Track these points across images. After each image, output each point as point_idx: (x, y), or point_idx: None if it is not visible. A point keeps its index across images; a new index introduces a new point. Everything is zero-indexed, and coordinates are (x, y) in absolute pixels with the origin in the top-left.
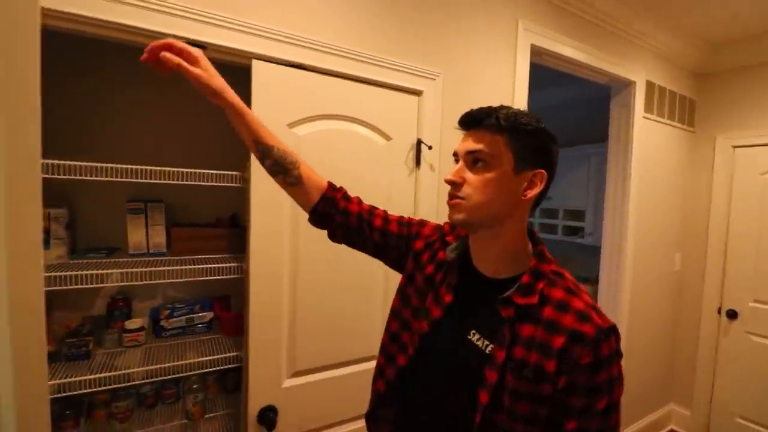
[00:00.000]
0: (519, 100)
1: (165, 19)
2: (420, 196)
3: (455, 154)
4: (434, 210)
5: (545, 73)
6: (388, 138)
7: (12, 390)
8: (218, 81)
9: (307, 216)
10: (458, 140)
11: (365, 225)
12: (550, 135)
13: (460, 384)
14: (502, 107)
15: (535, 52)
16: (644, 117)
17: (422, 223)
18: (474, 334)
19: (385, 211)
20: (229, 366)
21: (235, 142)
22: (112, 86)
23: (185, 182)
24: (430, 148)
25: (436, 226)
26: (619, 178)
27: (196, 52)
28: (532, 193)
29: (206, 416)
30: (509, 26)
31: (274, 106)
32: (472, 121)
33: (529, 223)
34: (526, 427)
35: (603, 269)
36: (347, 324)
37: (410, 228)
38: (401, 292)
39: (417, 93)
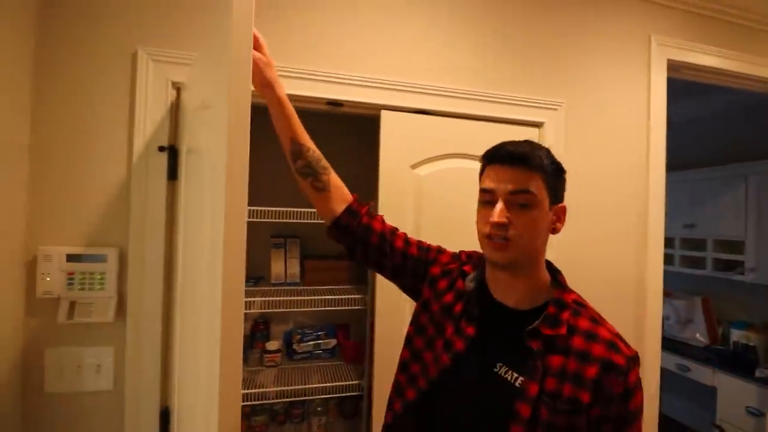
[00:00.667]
0: (655, 121)
1: (310, 84)
2: None
3: (488, 192)
4: (554, 243)
5: (681, 83)
6: None
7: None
8: (271, 72)
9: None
10: (584, 168)
11: (386, 245)
12: (563, 172)
13: (489, 418)
14: (532, 145)
15: (673, 66)
16: None
17: (440, 250)
18: (501, 367)
19: (405, 234)
20: (350, 393)
21: (356, 183)
22: (259, 142)
23: (316, 221)
24: None
25: (453, 254)
26: None
27: (261, 38)
28: (561, 226)
29: None
30: (640, 43)
31: (398, 149)
32: (512, 159)
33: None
34: None
35: None
36: None
37: (428, 253)
38: (415, 319)
39: (537, 125)
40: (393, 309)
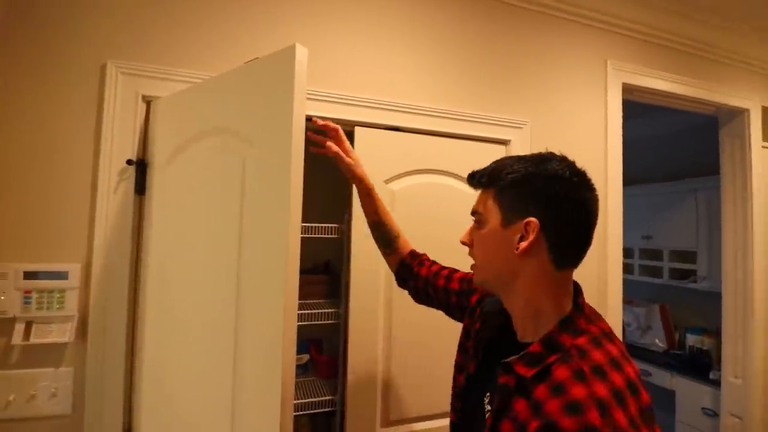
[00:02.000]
0: (612, 139)
1: None
2: None
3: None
4: None
5: (638, 104)
6: None
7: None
8: (361, 169)
9: None
10: None
11: (430, 287)
12: (548, 177)
13: None
14: (502, 163)
15: (627, 89)
16: (764, 146)
17: None
18: (488, 396)
19: (450, 271)
20: (324, 409)
21: (332, 195)
22: None
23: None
24: None
25: None
26: (739, 216)
27: (343, 135)
28: (524, 244)
29: None
30: (598, 67)
31: (372, 165)
32: (470, 182)
33: (574, 283)
34: None
35: (726, 320)
36: (442, 374)
37: (470, 283)
38: (461, 346)
39: (504, 143)
40: (366, 323)
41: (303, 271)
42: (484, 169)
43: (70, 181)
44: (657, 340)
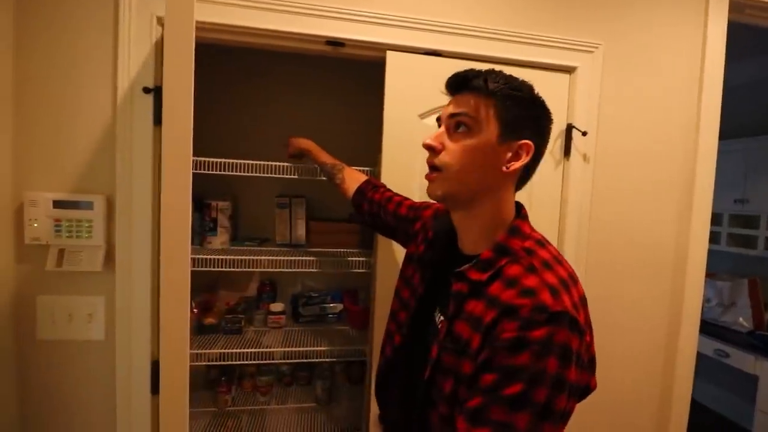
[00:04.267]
0: (711, 75)
1: (307, 20)
2: (569, 191)
3: (438, 120)
4: (587, 204)
5: (741, 40)
6: None
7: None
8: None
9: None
10: (622, 123)
11: (381, 210)
12: (545, 108)
13: (422, 360)
14: (493, 71)
15: (736, 7)
16: None
17: (428, 206)
18: (437, 310)
19: (403, 198)
20: (356, 358)
21: (366, 142)
22: (267, 95)
23: (323, 178)
24: (584, 134)
25: (437, 208)
26: None
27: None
28: (516, 165)
29: (332, 403)
30: None
31: (406, 97)
32: (459, 83)
33: (521, 214)
34: (449, 408)
35: None
36: None
37: (417, 211)
38: (402, 272)
39: (568, 70)
40: (393, 272)
41: (335, 220)
42: (483, 73)
43: (90, 109)
44: (741, 319)
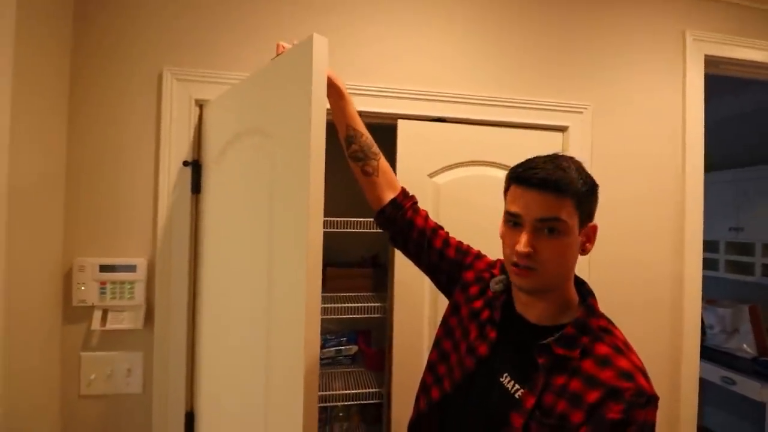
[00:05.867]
0: (692, 120)
1: None
2: None
3: (514, 215)
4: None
5: (723, 78)
6: None
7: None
8: (331, 71)
9: None
10: (613, 172)
11: (425, 242)
12: (596, 184)
13: (487, 425)
14: (567, 164)
15: (711, 62)
16: None
17: (479, 256)
18: (506, 377)
19: (447, 233)
20: (372, 401)
21: None
22: None
23: (340, 230)
24: None
25: (490, 261)
26: None
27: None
28: (591, 246)
29: None
30: (674, 40)
31: (416, 158)
32: (543, 185)
33: (577, 279)
34: None
35: None
36: None
37: (466, 257)
38: (445, 321)
39: (561, 129)
40: (411, 320)
41: (350, 265)
42: (559, 171)
43: (134, 182)
44: (745, 345)
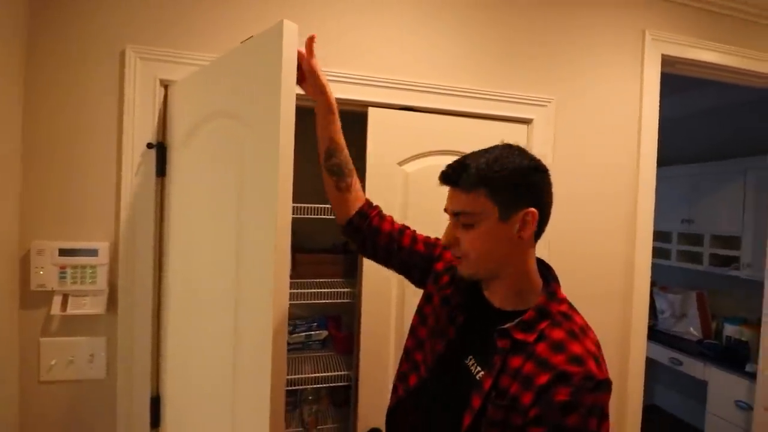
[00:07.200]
0: (647, 115)
1: None
2: None
3: (446, 210)
4: (546, 238)
5: (679, 78)
6: None
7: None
8: (324, 78)
9: None
10: (573, 165)
11: (394, 244)
12: (530, 168)
13: (452, 406)
14: (474, 158)
15: (668, 61)
16: None
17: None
18: (470, 359)
19: (414, 231)
20: (340, 384)
21: None
22: None
23: (311, 216)
24: None
25: None
26: None
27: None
28: (527, 233)
29: (318, 427)
30: (634, 38)
31: (385, 146)
32: (449, 181)
33: (538, 260)
34: None
35: None
36: None
37: (435, 249)
38: (419, 310)
39: (526, 122)
40: (379, 306)
41: (321, 251)
42: (463, 168)
43: (96, 163)
44: (691, 329)
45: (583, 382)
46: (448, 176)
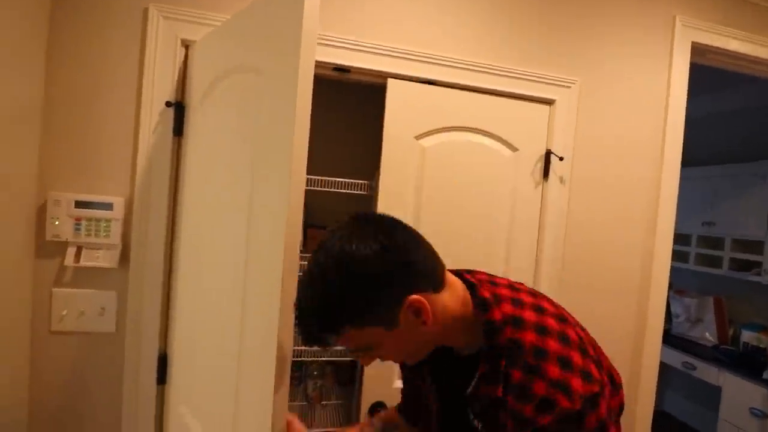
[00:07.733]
0: (674, 106)
1: (319, 49)
2: (547, 210)
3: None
4: (563, 224)
5: (705, 75)
6: (514, 149)
7: None
8: None
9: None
10: (595, 151)
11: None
12: (373, 260)
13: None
14: (306, 300)
15: (698, 50)
16: None
17: None
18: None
19: (403, 399)
20: (345, 359)
21: (364, 156)
22: None
23: (325, 189)
24: (561, 159)
25: None
26: None
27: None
28: (427, 316)
29: (323, 402)
30: (664, 23)
31: (403, 119)
32: (319, 344)
33: (471, 285)
34: None
35: None
36: None
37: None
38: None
39: (548, 102)
40: None
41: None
42: (309, 331)
43: (115, 119)
44: (707, 334)
45: (562, 425)
46: (309, 339)
